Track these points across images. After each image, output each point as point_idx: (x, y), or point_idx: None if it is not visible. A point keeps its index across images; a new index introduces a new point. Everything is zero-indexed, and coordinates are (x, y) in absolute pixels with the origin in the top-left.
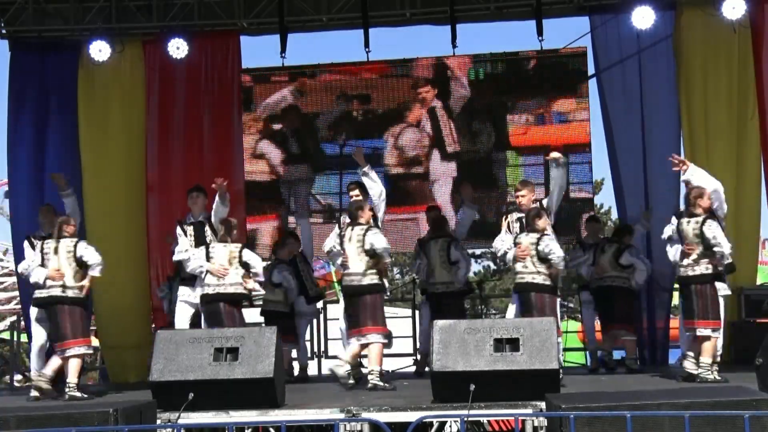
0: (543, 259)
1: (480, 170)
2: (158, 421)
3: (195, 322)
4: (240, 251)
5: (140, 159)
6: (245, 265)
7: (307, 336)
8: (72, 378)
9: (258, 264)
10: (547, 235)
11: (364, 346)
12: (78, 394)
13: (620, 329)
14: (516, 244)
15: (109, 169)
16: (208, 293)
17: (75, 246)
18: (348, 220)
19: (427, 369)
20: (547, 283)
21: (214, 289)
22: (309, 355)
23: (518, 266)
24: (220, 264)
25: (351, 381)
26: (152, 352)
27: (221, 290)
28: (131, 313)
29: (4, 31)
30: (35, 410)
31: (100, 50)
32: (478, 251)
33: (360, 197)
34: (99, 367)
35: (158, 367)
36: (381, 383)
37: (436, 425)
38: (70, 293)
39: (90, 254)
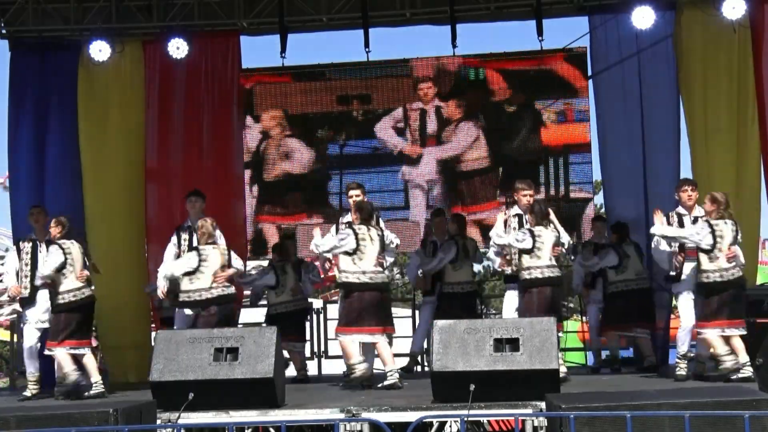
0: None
1: (480, 170)
2: (158, 421)
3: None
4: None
5: (140, 158)
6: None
7: (307, 336)
8: None
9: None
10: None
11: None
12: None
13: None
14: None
15: (109, 168)
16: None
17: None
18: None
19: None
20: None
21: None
22: (309, 355)
23: (541, 261)
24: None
25: None
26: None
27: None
28: (131, 312)
29: (4, 31)
30: (35, 410)
31: (100, 50)
32: None
33: (360, 197)
34: (99, 367)
35: (158, 367)
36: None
37: (436, 425)
38: None
39: None
